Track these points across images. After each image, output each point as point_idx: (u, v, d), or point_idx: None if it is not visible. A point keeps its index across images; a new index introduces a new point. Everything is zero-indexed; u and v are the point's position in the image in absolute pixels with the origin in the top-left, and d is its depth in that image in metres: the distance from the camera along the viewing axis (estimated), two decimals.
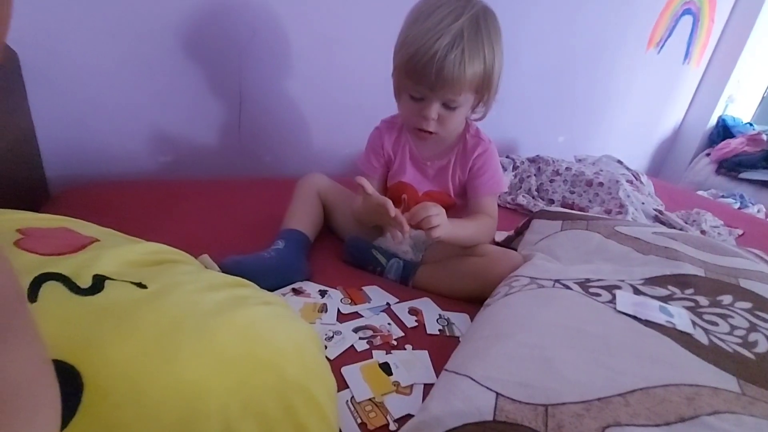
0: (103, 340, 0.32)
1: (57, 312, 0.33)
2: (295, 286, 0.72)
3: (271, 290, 0.64)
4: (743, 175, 2.41)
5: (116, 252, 0.42)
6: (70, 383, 0.29)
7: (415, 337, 0.65)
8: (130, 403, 0.31)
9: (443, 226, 0.70)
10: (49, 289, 0.34)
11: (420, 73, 0.69)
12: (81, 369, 0.30)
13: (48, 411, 0.20)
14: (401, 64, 0.72)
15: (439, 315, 0.71)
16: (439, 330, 0.67)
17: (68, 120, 0.96)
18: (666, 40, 2.17)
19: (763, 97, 2.93)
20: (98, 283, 0.37)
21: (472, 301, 0.74)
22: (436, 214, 0.69)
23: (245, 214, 0.96)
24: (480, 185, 0.84)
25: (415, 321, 0.68)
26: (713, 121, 2.67)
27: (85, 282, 0.36)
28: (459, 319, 0.71)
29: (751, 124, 2.75)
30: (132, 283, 0.38)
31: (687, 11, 2.18)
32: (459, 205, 0.89)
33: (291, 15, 1.13)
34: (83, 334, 0.32)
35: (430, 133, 0.77)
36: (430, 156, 0.87)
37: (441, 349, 0.61)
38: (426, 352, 0.61)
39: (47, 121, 0.93)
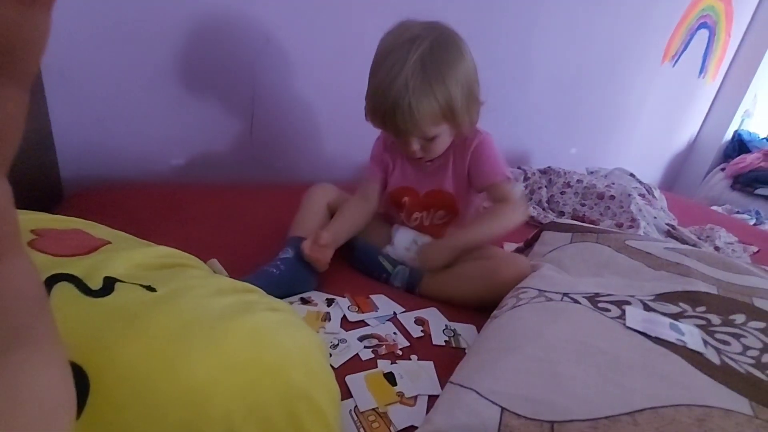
0: (110, 342, 0.32)
1: (67, 312, 0.33)
2: (304, 295, 0.73)
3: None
4: (759, 191, 2.37)
5: (127, 255, 0.43)
6: (77, 384, 0.29)
7: (421, 347, 0.65)
8: (135, 404, 0.31)
9: (434, 258, 0.80)
10: (61, 289, 0.35)
11: (383, 124, 0.75)
12: (88, 369, 0.30)
13: (65, 415, 0.20)
14: (369, 112, 0.78)
15: (446, 325, 0.70)
16: (445, 341, 0.67)
17: (85, 122, 0.99)
18: (681, 54, 2.16)
19: None
20: (108, 285, 0.37)
21: (480, 308, 0.74)
22: (427, 260, 0.81)
23: (255, 220, 0.97)
24: (485, 174, 0.84)
25: (421, 331, 0.68)
26: (729, 135, 2.63)
27: (96, 284, 0.37)
28: (466, 331, 0.70)
29: (767, 140, 2.71)
30: (141, 286, 0.38)
31: (703, 25, 2.17)
32: (461, 203, 0.88)
33: (304, 23, 1.14)
34: (92, 335, 0.32)
35: (422, 158, 0.82)
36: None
37: (447, 360, 0.60)
38: (431, 363, 0.61)
39: (64, 124, 0.95)
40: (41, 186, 0.90)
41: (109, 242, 0.46)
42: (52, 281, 0.35)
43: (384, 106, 0.71)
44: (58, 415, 0.20)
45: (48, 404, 0.19)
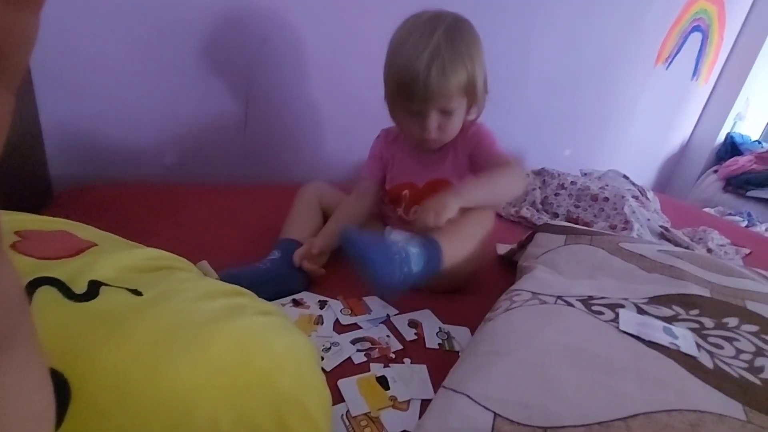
0: (93, 348, 0.31)
1: (49, 318, 0.32)
2: (296, 297, 0.72)
3: (269, 301, 0.63)
4: (751, 193, 2.39)
5: (114, 257, 0.42)
6: (58, 391, 0.29)
7: (414, 350, 0.64)
8: (118, 412, 0.30)
9: (449, 207, 0.66)
10: (43, 294, 0.34)
11: (411, 92, 0.73)
12: (69, 377, 0.29)
13: (44, 423, 0.19)
14: (392, 89, 0.77)
15: (440, 328, 0.70)
16: (439, 344, 0.66)
17: (75, 119, 0.97)
18: (674, 57, 2.17)
19: None
20: (93, 289, 0.36)
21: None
22: (436, 210, 0.66)
23: (248, 220, 0.96)
24: (484, 150, 0.83)
25: (415, 334, 0.67)
26: (721, 138, 2.65)
27: (80, 287, 0.36)
28: (459, 333, 0.69)
29: (759, 142, 2.74)
30: (127, 289, 0.37)
31: (696, 28, 2.18)
32: None
33: (302, 23, 1.13)
34: (74, 341, 0.31)
35: (435, 141, 0.80)
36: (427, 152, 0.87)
37: (440, 363, 0.60)
38: (424, 366, 0.60)
39: (54, 120, 0.94)
40: (30, 185, 0.89)
41: (96, 244, 0.45)
42: (34, 285, 0.35)
43: (414, 72, 0.71)
44: (37, 423, 0.19)
45: (26, 412, 0.18)
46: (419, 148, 0.84)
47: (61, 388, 0.29)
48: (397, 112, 0.81)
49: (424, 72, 0.70)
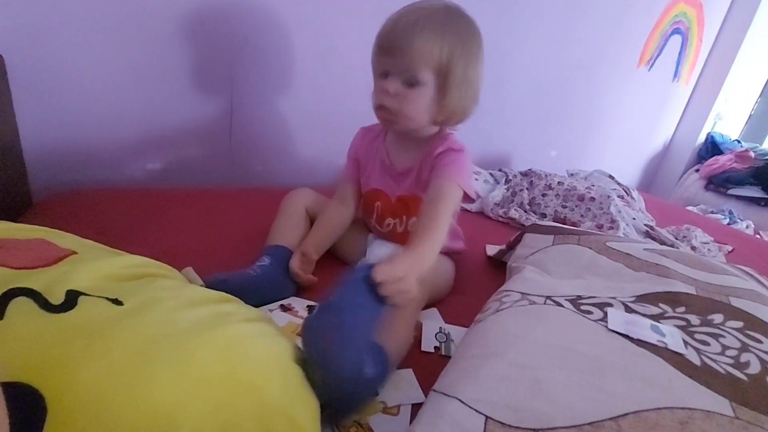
0: (71, 361, 0.30)
1: (24, 330, 0.31)
2: (283, 302, 0.71)
3: (257, 307, 0.61)
4: (732, 192, 2.45)
5: (93, 266, 0.41)
6: (33, 408, 0.27)
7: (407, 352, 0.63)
8: (97, 429, 0.29)
9: (413, 290, 0.56)
10: (18, 305, 0.33)
11: (381, 41, 0.72)
12: (45, 392, 0.28)
13: None
14: (374, 45, 0.74)
15: (440, 328, 0.69)
16: (435, 347, 0.65)
17: (54, 124, 0.95)
18: (656, 59, 2.21)
19: (750, 115, 3.00)
20: (71, 299, 0.35)
21: None
22: (403, 293, 0.55)
23: (234, 225, 0.94)
24: (438, 169, 0.76)
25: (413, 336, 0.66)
26: (702, 137, 2.71)
27: (58, 298, 0.35)
28: (461, 335, 0.66)
29: (738, 141, 2.80)
30: (107, 299, 0.36)
31: (676, 31, 2.23)
32: None
33: (285, 24, 1.13)
34: (50, 354, 0.30)
35: (390, 112, 0.72)
36: (401, 160, 0.84)
37: (433, 366, 0.59)
38: (410, 370, 0.60)
39: (32, 125, 0.91)
40: (8, 191, 0.86)
41: (75, 252, 0.44)
42: (9, 296, 0.33)
43: (392, 21, 0.70)
44: None
45: None
46: (380, 119, 0.78)
47: (36, 405, 0.28)
48: (374, 76, 0.76)
49: (400, 25, 0.69)
